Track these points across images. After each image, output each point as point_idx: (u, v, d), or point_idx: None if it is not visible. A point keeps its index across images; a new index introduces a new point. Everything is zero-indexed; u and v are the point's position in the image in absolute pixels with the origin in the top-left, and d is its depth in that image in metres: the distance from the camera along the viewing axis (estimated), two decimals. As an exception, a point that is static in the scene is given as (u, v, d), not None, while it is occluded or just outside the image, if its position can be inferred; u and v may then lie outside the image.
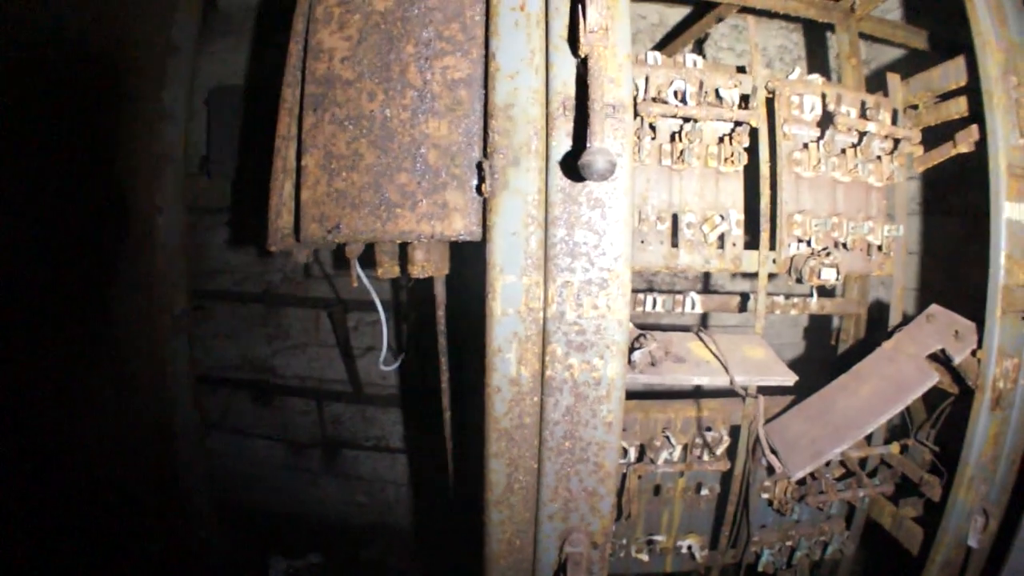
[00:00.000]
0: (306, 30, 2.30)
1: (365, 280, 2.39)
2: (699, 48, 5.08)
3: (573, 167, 1.76)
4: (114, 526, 4.37)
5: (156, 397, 4.55)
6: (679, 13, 5.19)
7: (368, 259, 2.37)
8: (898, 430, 3.59)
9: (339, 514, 6.10)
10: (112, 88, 4.38)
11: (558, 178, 1.95)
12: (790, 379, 2.72)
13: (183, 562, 4.73)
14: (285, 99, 2.24)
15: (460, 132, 2.10)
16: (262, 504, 6.03)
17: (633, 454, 3.12)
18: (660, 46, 5.10)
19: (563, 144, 1.97)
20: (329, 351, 5.60)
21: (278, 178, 2.21)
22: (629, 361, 2.38)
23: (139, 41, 4.53)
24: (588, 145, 1.71)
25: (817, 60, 5.45)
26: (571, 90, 1.98)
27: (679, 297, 3.28)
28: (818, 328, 5.12)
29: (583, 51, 1.87)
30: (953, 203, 4.70)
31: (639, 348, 2.42)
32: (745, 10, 3.72)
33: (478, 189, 2.04)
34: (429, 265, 2.28)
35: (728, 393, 2.88)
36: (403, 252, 2.33)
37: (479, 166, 2.03)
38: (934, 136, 3.45)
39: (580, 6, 1.87)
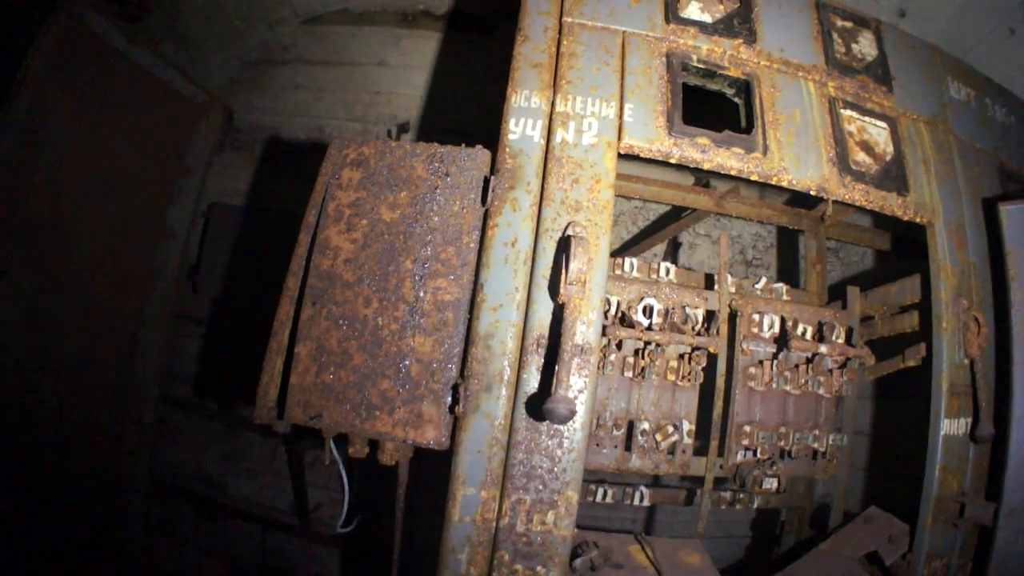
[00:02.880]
0: (316, 224, 2.51)
1: (338, 458, 2.54)
2: (676, 236, 5.37)
3: (538, 407, 1.96)
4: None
5: (110, 502, 4.56)
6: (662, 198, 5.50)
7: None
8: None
9: (270, 643, 5.95)
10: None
11: (524, 409, 2.15)
12: (718, 589, 2.84)
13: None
14: (288, 287, 2.44)
15: (442, 351, 2.30)
16: (197, 620, 5.88)
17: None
18: (642, 231, 5.40)
19: (533, 378, 2.19)
20: (282, 481, 5.61)
21: (271, 360, 2.39)
22: (571, 566, 2.50)
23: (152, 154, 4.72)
24: (553, 391, 1.91)
25: (788, 250, 5.75)
26: (546, 329, 2.21)
27: (629, 490, 3.44)
28: (766, 518, 5.23)
29: (561, 299, 2.10)
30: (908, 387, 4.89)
31: (581, 555, 2.55)
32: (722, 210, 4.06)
33: (451, 408, 2.23)
34: (397, 454, 2.44)
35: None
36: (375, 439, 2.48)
37: (455, 387, 2.22)
38: (887, 344, 3.68)
39: (564, 256, 2.11)
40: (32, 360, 4.06)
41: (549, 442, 2.17)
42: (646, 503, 3.51)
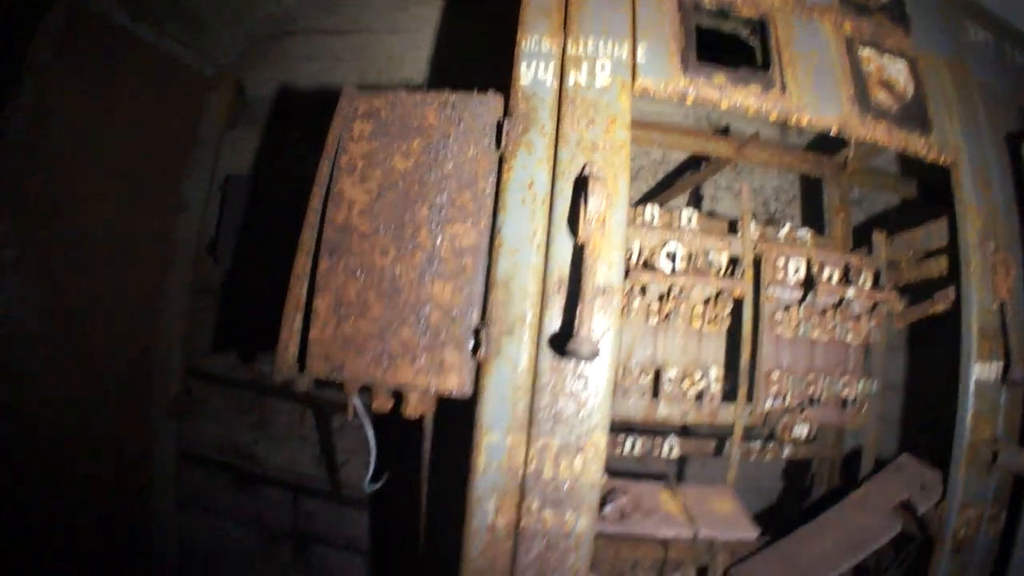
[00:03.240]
0: (330, 176, 2.49)
1: (362, 413, 2.52)
2: (698, 188, 5.31)
3: (561, 346, 1.93)
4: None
5: (138, 476, 4.63)
6: (683, 152, 5.42)
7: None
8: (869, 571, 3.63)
9: (305, 608, 6.03)
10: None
11: (547, 351, 2.12)
12: (752, 534, 2.84)
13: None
14: (304, 241, 2.41)
15: (462, 297, 2.27)
16: (231, 588, 5.97)
17: (600, 592, 3.21)
18: (662, 184, 5.33)
19: (555, 320, 2.15)
20: (312, 447, 5.66)
21: (290, 315, 2.37)
22: (600, 513, 2.49)
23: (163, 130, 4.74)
24: (575, 331, 1.88)
25: (811, 202, 5.66)
26: (567, 271, 2.17)
27: (658, 440, 3.41)
28: (796, 470, 5.20)
29: (581, 238, 2.07)
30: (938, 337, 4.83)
31: (611, 502, 2.54)
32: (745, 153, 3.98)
33: (473, 352, 2.21)
34: (422, 406, 2.42)
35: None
36: (398, 391, 2.47)
37: (476, 332, 2.20)
38: (915, 290, 3.61)
39: (583, 195, 2.07)
40: (54, 344, 4.11)
41: (574, 384, 2.14)
42: (675, 454, 3.47)
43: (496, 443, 2.15)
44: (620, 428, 3.62)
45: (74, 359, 4.25)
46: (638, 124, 3.73)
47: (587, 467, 2.16)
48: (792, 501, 5.17)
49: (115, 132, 4.38)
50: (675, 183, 4.85)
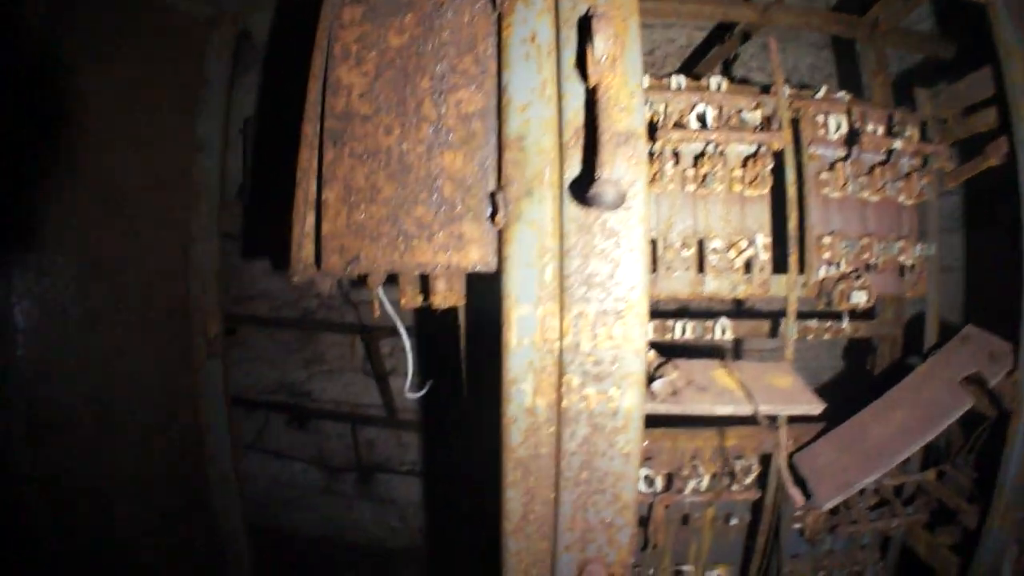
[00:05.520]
0: (325, 67, 2.34)
1: (389, 309, 2.41)
2: (727, 70, 5.07)
3: (585, 197, 1.76)
4: (143, 547, 4.46)
5: (190, 419, 4.69)
6: (705, 30, 5.20)
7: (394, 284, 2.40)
8: (939, 454, 3.49)
9: (373, 538, 6.12)
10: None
11: (571, 208, 1.95)
12: (816, 408, 2.62)
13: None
14: (306, 134, 2.27)
15: (475, 164, 2.12)
16: (297, 527, 6.09)
17: (660, 483, 3.11)
18: (688, 67, 5.10)
19: (576, 173, 1.97)
20: (364, 376, 5.67)
21: (300, 211, 2.25)
22: (649, 390, 2.35)
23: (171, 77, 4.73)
24: (597, 176, 1.72)
25: (849, 77, 5.38)
26: (582, 119, 1.99)
27: (709, 323, 3.25)
28: (858, 348, 5.03)
29: (592, 81, 1.89)
30: (998, 214, 4.56)
31: (660, 377, 2.39)
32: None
33: (492, 220, 2.06)
34: (451, 295, 2.30)
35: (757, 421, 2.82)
36: (425, 282, 2.35)
37: (492, 197, 2.04)
38: (966, 149, 3.37)
39: (588, 36, 1.88)
40: (90, 304, 4.20)
41: (605, 243, 1.96)
42: (729, 336, 3.29)
43: (526, 315, 1.98)
44: (669, 313, 3.47)
45: (113, 312, 4.28)
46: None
47: (629, 334, 1.98)
48: (856, 382, 5.01)
49: (125, 86, 4.41)
50: (701, 62, 4.62)
